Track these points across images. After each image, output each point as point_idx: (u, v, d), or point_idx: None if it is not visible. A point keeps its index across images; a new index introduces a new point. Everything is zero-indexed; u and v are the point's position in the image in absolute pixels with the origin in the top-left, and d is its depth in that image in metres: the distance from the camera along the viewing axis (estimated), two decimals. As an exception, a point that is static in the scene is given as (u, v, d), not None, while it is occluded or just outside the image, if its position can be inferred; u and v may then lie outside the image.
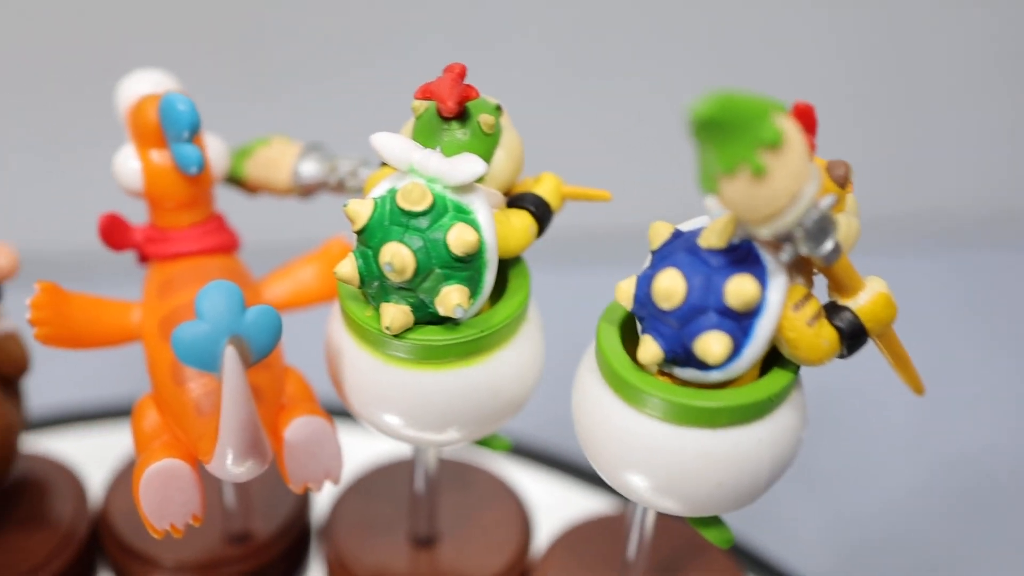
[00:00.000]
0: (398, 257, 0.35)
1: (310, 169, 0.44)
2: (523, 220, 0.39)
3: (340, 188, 0.44)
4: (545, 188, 0.40)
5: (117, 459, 0.53)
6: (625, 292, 0.36)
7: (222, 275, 0.43)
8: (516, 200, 0.40)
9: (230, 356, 0.34)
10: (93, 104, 0.61)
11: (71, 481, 0.50)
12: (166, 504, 0.39)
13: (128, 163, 0.42)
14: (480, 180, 0.38)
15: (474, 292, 0.37)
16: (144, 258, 0.44)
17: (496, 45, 0.78)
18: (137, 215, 0.44)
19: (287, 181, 0.44)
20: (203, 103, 0.41)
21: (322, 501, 0.51)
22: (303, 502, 0.50)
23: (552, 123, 0.70)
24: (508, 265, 0.40)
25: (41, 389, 0.56)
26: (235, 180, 0.45)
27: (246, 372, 0.34)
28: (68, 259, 0.64)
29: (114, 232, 0.43)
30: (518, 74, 0.78)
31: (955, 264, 0.84)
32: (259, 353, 0.35)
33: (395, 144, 0.37)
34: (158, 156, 0.42)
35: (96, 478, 0.53)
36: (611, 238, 0.73)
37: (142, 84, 0.42)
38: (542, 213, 0.40)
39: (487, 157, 0.38)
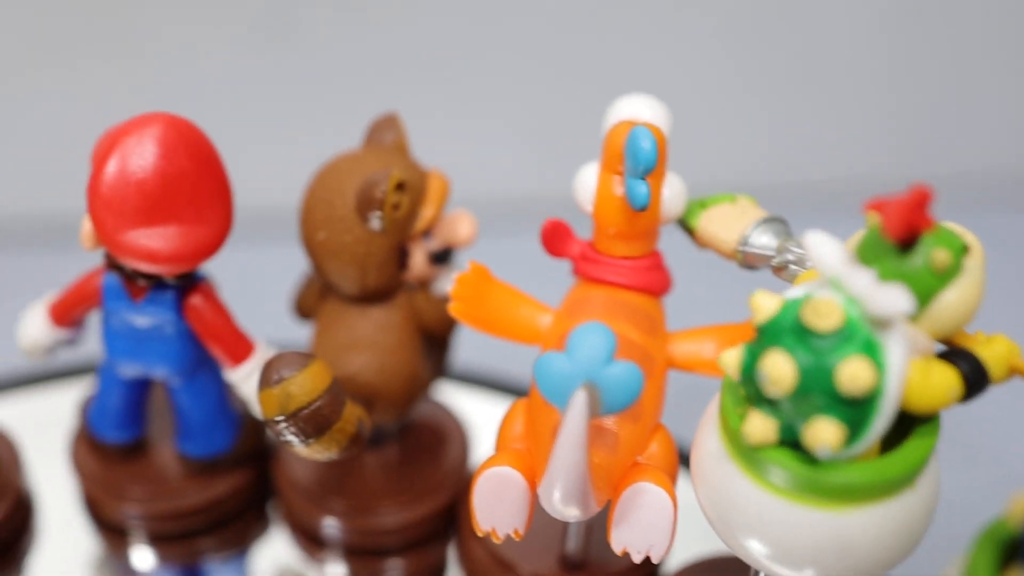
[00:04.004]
0: (777, 369, 0.32)
1: (762, 240, 0.42)
2: (946, 378, 0.34)
3: (781, 270, 0.41)
4: (991, 352, 0.35)
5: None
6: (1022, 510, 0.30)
7: (633, 315, 0.42)
8: (950, 353, 0.34)
9: (578, 401, 0.33)
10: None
11: (459, 438, 0.53)
12: (494, 508, 0.40)
13: (587, 179, 0.42)
14: (913, 319, 0.33)
15: (852, 436, 0.33)
16: (575, 272, 0.44)
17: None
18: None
19: (733, 243, 0.42)
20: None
21: (667, 565, 0.50)
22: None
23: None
24: (919, 418, 0.35)
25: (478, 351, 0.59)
26: (685, 226, 0.44)
27: (589, 421, 0.34)
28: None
29: (555, 238, 0.44)
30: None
31: None
32: (609, 407, 0.34)
33: (828, 249, 0.33)
34: (614, 183, 0.41)
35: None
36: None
37: (630, 108, 0.42)
38: (975, 379, 0.34)
39: (928, 296, 0.33)
